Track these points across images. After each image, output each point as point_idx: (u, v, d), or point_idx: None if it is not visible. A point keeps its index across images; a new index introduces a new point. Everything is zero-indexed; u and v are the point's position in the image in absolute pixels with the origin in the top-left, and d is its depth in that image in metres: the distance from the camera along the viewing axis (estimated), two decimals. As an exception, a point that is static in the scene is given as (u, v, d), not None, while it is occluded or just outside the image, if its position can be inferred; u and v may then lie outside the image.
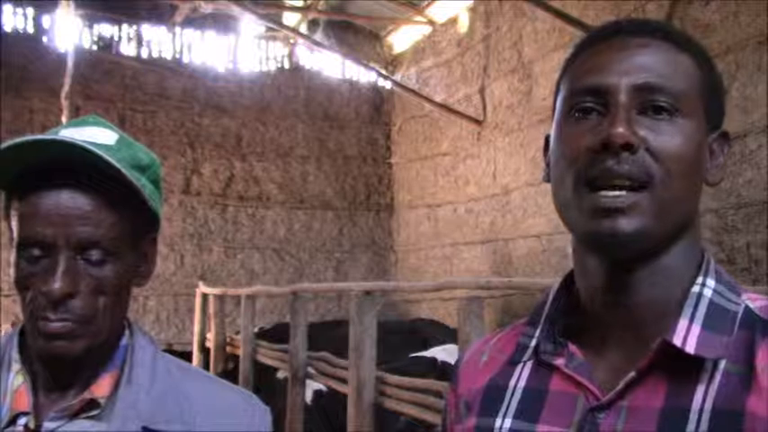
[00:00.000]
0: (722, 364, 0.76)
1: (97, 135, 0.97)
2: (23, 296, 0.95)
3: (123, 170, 0.93)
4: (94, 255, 0.94)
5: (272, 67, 9.83)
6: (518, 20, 7.63)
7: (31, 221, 0.93)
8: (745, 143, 5.05)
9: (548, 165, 0.87)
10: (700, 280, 0.81)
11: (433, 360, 5.50)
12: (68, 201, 0.93)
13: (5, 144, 0.92)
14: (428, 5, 9.32)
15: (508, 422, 0.85)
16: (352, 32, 10.05)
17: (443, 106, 8.58)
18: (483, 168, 8.13)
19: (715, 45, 5.26)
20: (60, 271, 0.92)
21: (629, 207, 0.77)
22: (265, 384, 6.25)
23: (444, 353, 5.56)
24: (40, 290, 0.92)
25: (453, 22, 8.94)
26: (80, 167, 0.93)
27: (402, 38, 10.11)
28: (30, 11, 8.62)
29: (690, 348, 0.76)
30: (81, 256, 0.94)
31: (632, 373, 0.78)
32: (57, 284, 0.91)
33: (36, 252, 0.93)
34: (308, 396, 5.52)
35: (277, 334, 6.91)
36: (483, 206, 8.11)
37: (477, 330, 3.41)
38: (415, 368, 4.98)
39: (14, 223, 0.95)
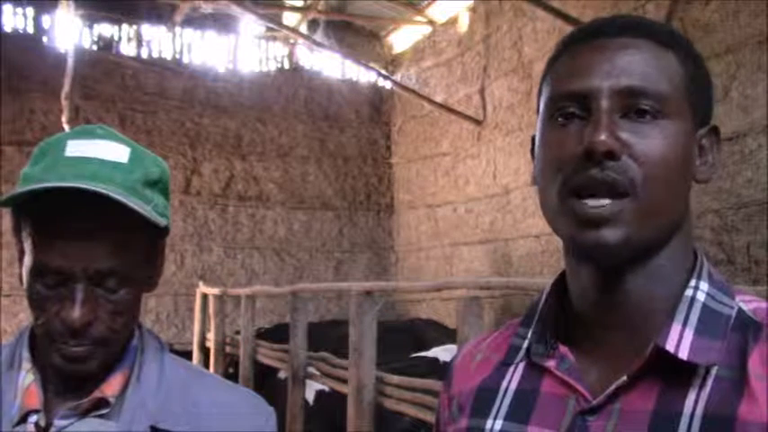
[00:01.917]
0: (714, 369, 0.75)
1: (108, 151, 0.96)
2: (36, 315, 0.95)
3: (141, 210, 0.92)
4: (111, 283, 0.94)
5: (272, 67, 9.83)
6: (518, 20, 7.63)
7: (47, 250, 0.92)
8: (745, 143, 5.06)
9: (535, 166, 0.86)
10: (693, 283, 0.80)
11: (435, 360, 5.50)
12: (84, 233, 0.92)
13: (21, 190, 0.90)
14: (428, 5, 9.32)
15: (499, 423, 0.85)
16: (352, 32, 10.05)
17: (443, 106, 8.58)
18: (483, 168, 8.14)
19: (715, 45, 5.27)
20: (79, 301, 0.92)
21: (613, 216, 0.75)
22: (266, 384, 6.25)
23: (445, 353, 5.57)
24: (59, 315, 0.92)
25: (453, 22, 8.94)
26: (93, 192, 0.91)
27: (402, 38, 10.12)
28: (30, 11, 8.62)
29: (683, 354, 0.75)
30: (98, 284, 0.94)
31: (624, 378, 0.77)
32: (76, 314, 0.91)
33: (52, 279, 0.92)
34: (310, 396, 5.53)
35: (277, 334, 6.91)
36: (483, 206, 8.12)
37: (476, 330, 3.41)
38: (415, 368, 4.98)
39: (28, 246, 0.94)
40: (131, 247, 0.95)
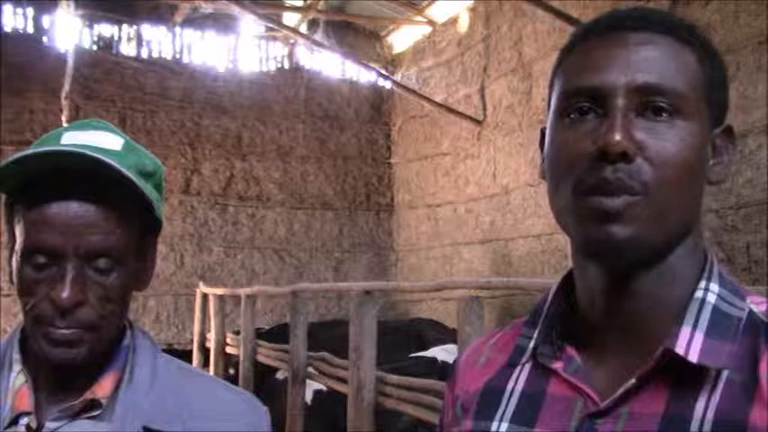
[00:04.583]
0: (725, 372, 0.74)
1: (103, 140, 0.97)
2: (25, 301, 0.94)
3: (135, 179, 0.93)
4: (102, 264, 0.94)
5: (272, 67, 9.83)
6: (518, 20, 7.63)
7: (38, 230, 0.92)
8: (745, 143, 5.05)
9: (544, 161, 0.84)
10: (703, 284, 0.78)
11: (434, 360, 5.50)
12: (77, 210, 0.92)
13: (14, 157, 0.91)
14: (428, 5, 9.32)
15: (504, 426, 0.83)
16: (352, 32, 10.04)
17: (443, 106, 8.57)
18: (483, 168, 8.13)
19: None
20: (69, 280, 0.92)
21: (624, 214, 0.74)
22: (265, 385, 6.25)
23: (444, 353, 5.57)
24: (48, 297, 0.92)
25: (453, 22, 8.94)
26: (88, 174, 0.92)
27: (402, 38, 10.11)
28: (30, 11, 8.61)
29: (693, 357, 0.74)
30: (88, 265, 0.93)
31: (632, 380, 0.76)
32: (66, 294, 0.91)
33: (42, 260, 0.92)
34: (308, 396, 5.52)
35: (277, 335, 6.90)
36: (483, 206, 8.11)
37: (477, 330, 3.41)
38: (415, 368, 4.98)
39: (19, 230, 0.94)
40: (123, 227, 0.95)
